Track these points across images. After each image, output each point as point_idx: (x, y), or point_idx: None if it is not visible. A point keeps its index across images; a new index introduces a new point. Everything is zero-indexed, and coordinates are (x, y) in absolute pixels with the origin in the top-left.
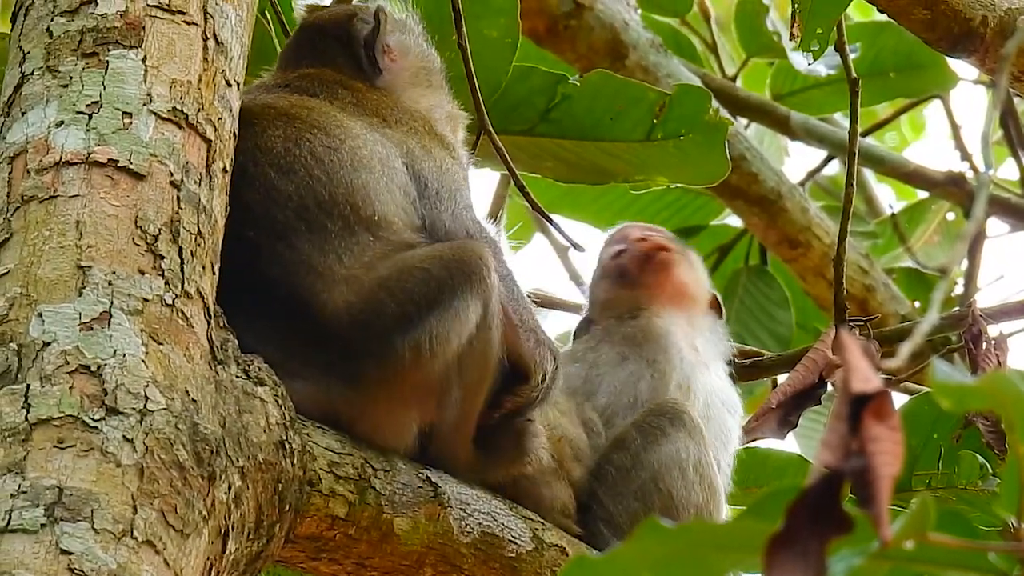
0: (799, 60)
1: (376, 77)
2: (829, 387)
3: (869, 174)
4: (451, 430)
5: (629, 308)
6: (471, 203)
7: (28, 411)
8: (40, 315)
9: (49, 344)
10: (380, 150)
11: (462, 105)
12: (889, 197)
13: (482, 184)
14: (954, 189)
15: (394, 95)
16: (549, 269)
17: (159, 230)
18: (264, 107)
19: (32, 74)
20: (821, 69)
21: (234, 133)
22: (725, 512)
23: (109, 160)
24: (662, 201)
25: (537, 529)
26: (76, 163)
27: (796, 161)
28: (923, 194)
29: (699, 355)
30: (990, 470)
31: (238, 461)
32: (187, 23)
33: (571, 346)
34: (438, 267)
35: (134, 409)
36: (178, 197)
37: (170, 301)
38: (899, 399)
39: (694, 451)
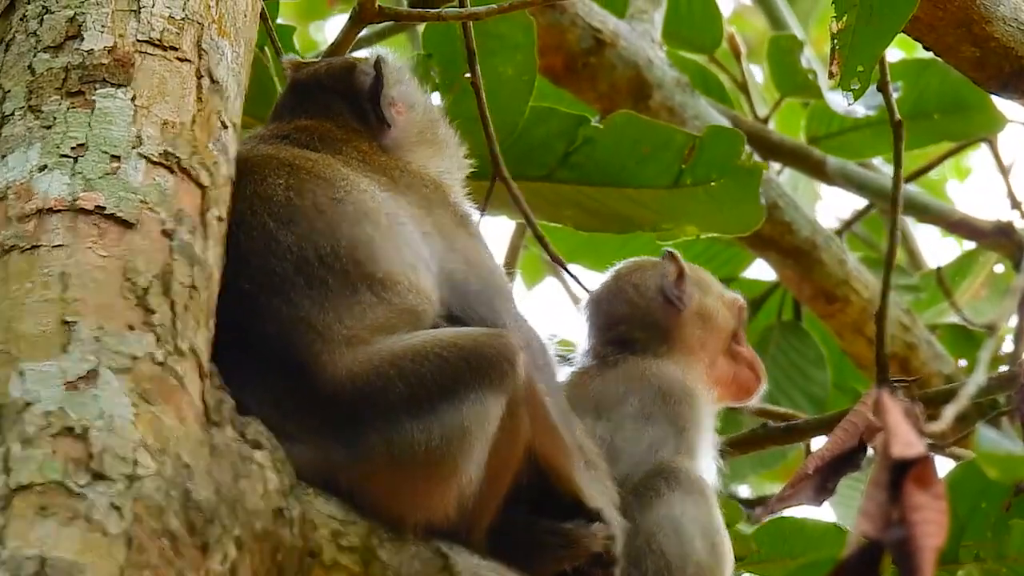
0: (836, 100)
1: (383, 133)
2: (870, 452)
3: (910, 222)
4: (464, 520)
5: (686, 357)
6: (509, 293)
7: (8, 476)
8: (22, 373)
9: (31, 404)
10: (388, 205)
11: (473, 151)
12: (933, 237)
13: (495, 232)
14: (1003, 240)
15: (402, 157)
16: (568, 322)
17: (150, 283)
18: (265, 157)
19: (13, 114)
20: (860, 110)
21: (231, 178)
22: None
23: (96, 207)
24: (689, 251)
25: None
26: (60, 210)
27: (829, 204)
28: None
29: None
30: None
31: (234, 530)
32: (180, 60)
33: (594, 387)
34: (457, 357)
35: (122, 474)
36: (170, 247)
37: (161, 359)
38: (944, 465)
39: (691, 508)
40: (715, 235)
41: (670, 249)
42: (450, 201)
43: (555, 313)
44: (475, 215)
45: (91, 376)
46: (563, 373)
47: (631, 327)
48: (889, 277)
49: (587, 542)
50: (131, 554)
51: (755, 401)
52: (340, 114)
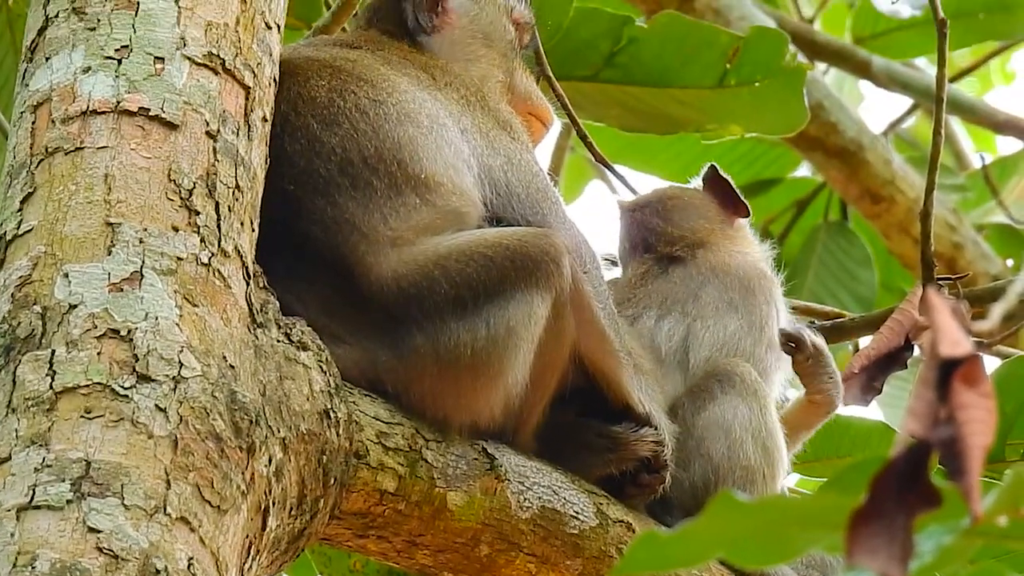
0: (881, 0)
1: (420, 35)
2: (916, 350)
3: (956, 123)
4: (510, 422)
5: (735, 235)
6: (555, 195)
7: (53, 379)
8: (66, 275)
9: (76, 307)
10: (428, 106)
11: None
12: (968, 146)
13: None
14: None
15: (442, 59)
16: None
17: (194, 184)
18: (306, 59)
19: (57, 16)
20: (904, 10)
21: (274, 79)
22: (783, 480)
23: (140, 109)
24: (735, 152)
25: (601, 504)
26: (104, 112)
27: (874, 106)
28: (1004, 145)
29: None
30: None
31: (279, 431)
32: None
33: (655, 286)
34: (502, 257)
35: (167, 376)
36: (214, 148)
37: (206, 260)
38: (991, 363)
39: (743, 412)
40: (760, 136)
41: (712, 163)
42: (491, 105)
43: (601, 215)
44: (518, 121)
45: (135, 278)
46: (610, 275)
47: (699, 237)
48: (934, 175)
49: (636, 446)
50: (176, 456)
51: None
52: (388, 21)
